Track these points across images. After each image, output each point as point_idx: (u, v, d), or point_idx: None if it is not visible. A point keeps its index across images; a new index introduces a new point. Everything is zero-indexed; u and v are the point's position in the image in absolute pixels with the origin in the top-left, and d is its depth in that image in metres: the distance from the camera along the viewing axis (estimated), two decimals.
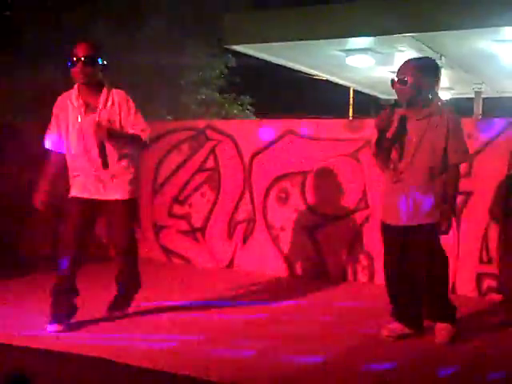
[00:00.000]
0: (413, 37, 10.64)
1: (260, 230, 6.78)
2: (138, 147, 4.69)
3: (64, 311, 4.58)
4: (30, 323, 4.64)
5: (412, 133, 4.34)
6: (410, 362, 4.04)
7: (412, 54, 12.54)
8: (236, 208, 6.93)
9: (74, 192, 4.63)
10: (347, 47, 11.79)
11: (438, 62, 12.10)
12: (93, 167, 4.53)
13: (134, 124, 4.57)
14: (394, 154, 4.39)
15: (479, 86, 14.85)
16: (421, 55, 12.09)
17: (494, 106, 16.03)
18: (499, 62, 11.70)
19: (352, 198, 6.33)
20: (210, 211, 7.05)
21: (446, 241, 5.87)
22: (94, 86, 4.51)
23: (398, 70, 4.40)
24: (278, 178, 6.72)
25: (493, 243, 5.80)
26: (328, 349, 4.21)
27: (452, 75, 13.63)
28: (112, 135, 4.43)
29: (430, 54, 11.81)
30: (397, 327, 4.46)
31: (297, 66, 14.59)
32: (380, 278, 4.56)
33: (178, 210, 7.23)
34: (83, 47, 4.42)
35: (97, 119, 4.46)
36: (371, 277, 6.23)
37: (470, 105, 15.72)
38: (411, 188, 4.31)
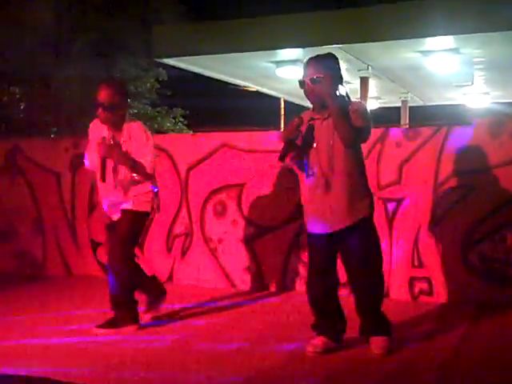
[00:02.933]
0: (340, 48, 10.87)
1: (198, 243, 6.82)
2: (142, 175, 4.89)
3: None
4: None
5: (321, 134, 4.26)
6: (340, 376, 4.03)
7: (340, 64, 12.83)
8: (173, 222, 6.96)
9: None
10: (277, 59, 11.99)
11: (366, 72, 12.48)
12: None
13: (142, 155, 4.82)
14: (311, 161, 4.28)
15: (405, 96, 15.28)
16: (348, 66, 12.42)
17: (420, 115, 16.51)
18: (424, 71, 12.08)
19: (287, 208, 6.43)
20: (148, 226, 7.05)
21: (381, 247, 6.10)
22: (117, 123, 4.85)
23: (306, 69, 4.29)
24: (215, 191, 6.78)
25: (423, 248, 6.01)
26: (249, 367, 4.14)
27: (379, 85, 14.00)
28: (115, 153, 4.71)
29: (357, 64, 12.13)
30: (321, 342, 4.37)
31: (228, 78, 14.71)
32: None
33: None
34: (104, 93, 4.75)
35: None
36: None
37: (397, 114, 16.15)
38: (334, 191, 4.22)
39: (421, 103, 16.81)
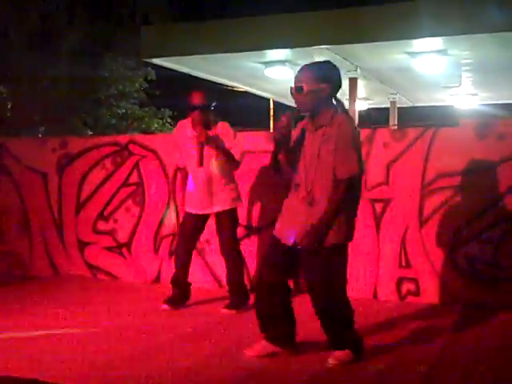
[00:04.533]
0: (328, 49, 10.88)
1: None
2: (233, 164, 5.53)
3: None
4: None
5: (308, 146, 4.07)
6: (323, 378, 3.99)
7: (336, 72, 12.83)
8: (161, 222, 6.95)
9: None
10: (265, 59, 11.97)
11: (354, 73, 12.50)
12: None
13: (232, 146, 5.47)
14: (298, 171, 4.12)
15: (394, 97, 15.31)
16: (336, 65, 12.41)
17: (408, 116, 16.54)
18: (412, 73, 12.11)
19: (274, 208, 6.41)
20: (135, 226, 7.04)
21: (367, 246, 6.13)
22: (208, 123, 5.45)
23: (295, 76, 4.09)
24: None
25: (411, 248, 6.03)
26: (235, 368, 4.17)
27: (368, 86, 14.01)
28: (211, 139, 5.33)
29: (346, 65, 12.14)
30: (264, 346, 4.28)
31: (216, 79, 14.69)
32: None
33: (102, 225, 7.19)
34: (199, 96, 5.41)
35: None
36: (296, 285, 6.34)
37: (386, 115, 16.18)
38: (314, 205, 4.01)
39: (409, 104, 16.84)
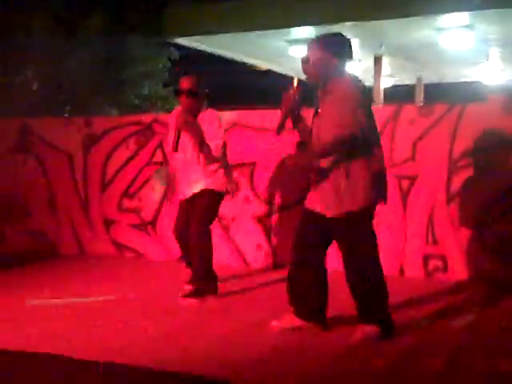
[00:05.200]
0: (353, 26, 10.78)
1: None
2: (207, 156, 5.21)
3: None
4: None
5: (320, 114, 4.11)
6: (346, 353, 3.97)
7: (353, 42, 12.74)
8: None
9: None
10: (290, 38, 11.90)
11: (379, 50, 12.38)
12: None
13: (211, 138, 5.17)
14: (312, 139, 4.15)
15: (420, 73, 15.15)
16: (362, 43, 12.30)
17: (435, 92, 16.35)
18: (439, 48, 11.96)
19: (300, 186, 6.39)
20: (160, 204, 7.06)
21: (394, 223, 6.08)
22: (194, 111, 5.22)
23: (306, 47, 4.18)
24: None
25: (438, 225, 5.97)
26: (262, 343, 4.14)
27: (393, 63, 13.87)
28: (187, 125, 5.08)
29: (371, 42, 12.02)
30: (289, 319, 4.29)
31: (240, 57, 14.64)
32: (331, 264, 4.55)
33: (128, 204, 7.21)
34: (187, 81, 5.21)
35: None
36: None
37: (412, 92, 16.01)
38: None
39: (436, 81, 16.64)
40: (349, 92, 3.96)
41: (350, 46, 4.18)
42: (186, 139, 5.15)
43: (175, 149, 5.12)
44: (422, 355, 3.90)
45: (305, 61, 4.14)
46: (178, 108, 5.43)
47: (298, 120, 4.22)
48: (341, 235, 4.12)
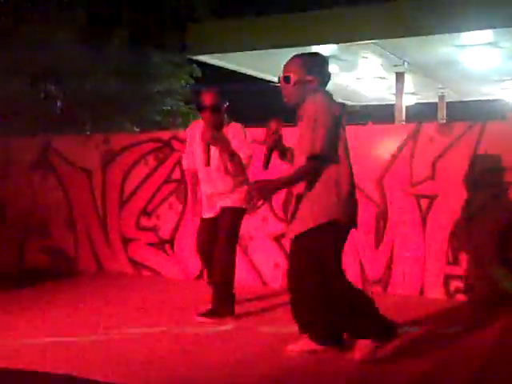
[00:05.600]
0: (375, 43, 10.75)
1: None
2: (238, 166, 5.18)
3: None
4: None
5: (299, 134, 4.02)
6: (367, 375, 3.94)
7: (375, 60, 12.69)
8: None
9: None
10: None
11: (401, 67, 12.33)
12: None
13: (240, 149, 5.15)
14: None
15: (442, 91, 15.06)
16: (383, 61, 12.27)
17: (458, 111, 16.23)
18: (461, 66, 11.88)
19: None
20: (178, 222, 7.03)
21: (414, 243, 5.99)
22: (219, 125, 5.21)
23: (284, 66, 4.06)
24: None
25: (459, 245, 5.87)
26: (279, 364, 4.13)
27: (415, 80, 13.81)
28: (216, 139, 5.05)
29: (392, 60, 11.97)
30: (305, 343, 4.19)
31: (261, 75, 14.67)
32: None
33: (145, 222, 7.19)
34: (210, 96, 5.17)
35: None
36: None
37: (435, 110, 15.93)
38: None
39: (458, 98, 16.52)
40: (312, 111, 3.88)
41: (328, 65, 4.13)
42: (215, 153, 5.16)
43: (207, 163, 5.15)
44: (438, 381, 3.81)
45: (285, 80, 4.02)
46: (198, 122, 5.48)
47: (284, 153, 4.20)
48: (295, 255, 4.11)
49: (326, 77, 4.09)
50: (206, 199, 5.37)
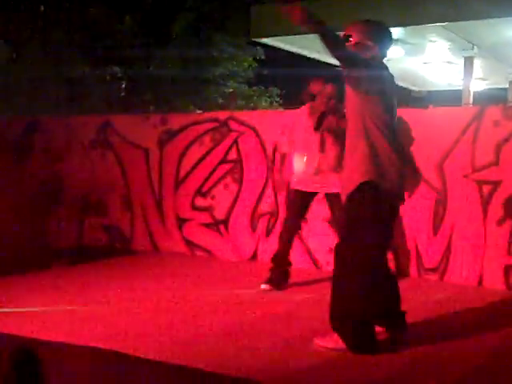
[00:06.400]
0: (443, 26, 10.43)
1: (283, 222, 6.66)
2: None
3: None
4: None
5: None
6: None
7: (443, 43, 12.32)
8: (259, 200, 6.84)
9: None
10: None
11: (471, 51, 11.94)
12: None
13: None
14: None
15: None
16: (451, 45, 11.90)
17: None
18: None
19: None
20: (233, 203, 6.97)
21: (473, 231, 5.77)
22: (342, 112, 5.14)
23: (346, 27, 3.94)
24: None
25: None
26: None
27: (485, 65, 13.36)
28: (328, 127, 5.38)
29: (461, 43, 11.61)
30: (336, 341, 3.85)
31: (325, 59, 14.44)
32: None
33: (200, 202, 7.16)
34: (318, 84, 5.41)
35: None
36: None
37: (505, 95, 15.42)
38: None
39: None
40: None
41: (391, 38, 4.01)
42: (329, 140, 5.40)
43: (322, 150, 5.40)
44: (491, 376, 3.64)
45: (346, 39, 3.87)
46: (301, 109, 5.64)
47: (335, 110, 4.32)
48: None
49: (386, 48, 3.98)
50: (306, 174, 5.55)
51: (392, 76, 3.97)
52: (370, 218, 3.76)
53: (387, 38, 3.99)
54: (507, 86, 15.10)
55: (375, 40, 3.89)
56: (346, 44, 3.84)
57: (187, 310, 4.81)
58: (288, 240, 5.65)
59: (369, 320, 3.83)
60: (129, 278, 5.97)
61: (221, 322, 4.51)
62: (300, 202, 5.69)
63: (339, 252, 3.85)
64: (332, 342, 3.86)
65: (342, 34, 3.93)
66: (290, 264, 5.70)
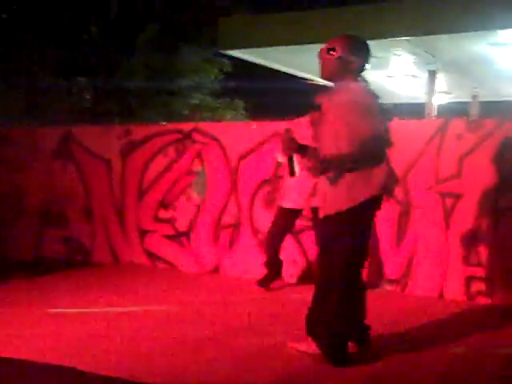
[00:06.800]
0: (408, 41, 10.51)
1: (246, 234, 6.62)
2: None
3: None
4: None
5: (325, 117, 3.98)
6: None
7: (407, 57, 12.42)
8: (222, 212, 6.77)
9: None
10: None
11: (434, 65, 12.05)
12: None
13: None
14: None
15: (475, 90, 14.72)
16: (416, 59, 12.00)
17: (492, 111, 15.85)
18: (495, 65, 11.56)
19: None
20: (196, 215, 6.90)
21: (435, 242, 5.77)
22: None
23: (329, 41, 3.98)
24: (265, 182, 6.56)
25: (482, 246, 5.63)
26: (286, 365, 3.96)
27: (449, 79, 13.50)
28: None
29: (425, 57, 11.71)
30: (308, 343, 3.94)
31: (291, 71, 14.47)
32: None
33: (163, 214, 7.07)
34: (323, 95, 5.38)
35: None
36: None
37: (468, 109, 15.59)
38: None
39: (492, 98, 16.15)
40: (360, 101, 3.83)
41: (369, 55, 4.06)
42: None
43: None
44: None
45: (329, 51, 3.93)
46: (301, 120, 5.65)
47: (304, 152, 4.14)
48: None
49: (366, 62, 4.04)
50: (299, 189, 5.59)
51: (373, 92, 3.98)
52: (348, 233, 3.80)
53: (367, 53, 4.05)
54: (470, 100, 15.27)
55: (357, 54, 3.96)
56: (330, 56, 3.92)
57: (145, 323, 4.73)
58: (276, 249, 5.88)
59: (345, 332, 3.85)
60: (87, 290, 5.85)
61: (179, 334, 4.44)
62: (290, 220, 5.88)
63: (319, 262, 3.97)
64: (304, 345, 3.95)
65: (323, 47, 3.97)
66: (281, 262, 5.96)
